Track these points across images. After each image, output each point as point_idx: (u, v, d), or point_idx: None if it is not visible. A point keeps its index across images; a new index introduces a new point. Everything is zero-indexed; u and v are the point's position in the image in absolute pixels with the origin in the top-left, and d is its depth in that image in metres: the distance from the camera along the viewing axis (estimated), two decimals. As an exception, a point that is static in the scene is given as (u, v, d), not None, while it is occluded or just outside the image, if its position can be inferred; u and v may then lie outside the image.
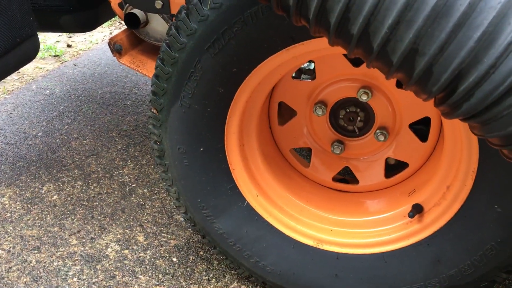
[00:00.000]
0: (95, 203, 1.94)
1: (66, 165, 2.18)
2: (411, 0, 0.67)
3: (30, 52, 1.90)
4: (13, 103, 2.75)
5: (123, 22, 4.53)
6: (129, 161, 2.22)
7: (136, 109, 2.70)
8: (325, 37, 0.82)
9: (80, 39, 3.81)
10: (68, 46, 3.69)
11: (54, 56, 3.49)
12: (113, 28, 4.15)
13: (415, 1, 0.66)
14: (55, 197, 1.98)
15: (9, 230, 1.79)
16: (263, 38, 1.15)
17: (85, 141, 2.37)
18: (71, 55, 3.52)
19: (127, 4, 1.82)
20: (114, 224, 1.83)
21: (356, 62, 1.36)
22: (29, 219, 1.85)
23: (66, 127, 2.50)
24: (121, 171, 2.14)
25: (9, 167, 2.17)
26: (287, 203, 1.47)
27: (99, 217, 1.86)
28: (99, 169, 2.15)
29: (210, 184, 1.38)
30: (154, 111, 1.34)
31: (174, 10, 1.64)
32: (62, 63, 3.37)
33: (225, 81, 1.23)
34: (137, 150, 2.30)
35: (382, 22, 0.69)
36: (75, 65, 3.30)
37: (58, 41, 3.71)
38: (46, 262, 1.65)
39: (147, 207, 1.92)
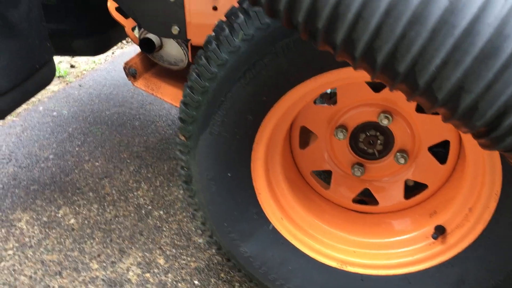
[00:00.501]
0: (112, 226, 1.95)
1: (80, 188, 2.19)
2: (460, 42, 0.70)
3: (48, 77, 1.93)
4: (21, 125, 2.76)
5: (125, 42, 4.55)
6: (143, 182, 2.24)
7: (145, 130, 2.72)
8: (366, 72, 0.86)
9: (83, 59, 3.83)
10: (72, 66, 3.71)
11: (58, 77, 3.50)
12: (115, 48, 4.18)
13: (463, 43, 0.70)
14: (72, 220, 1.99)
15: (29, 256, 1.80)
16: (293, 68, 1.19)
17: (97, 163, 2.39)
18: (75, 75, 3.54)
19: (142, 29, 1.86)
20: (133, 247, 1.84)
21: (376, 88, 1.40)
22: (48, 244, 1.86)
23: (77, 149, 2.51)
24: (135, 193, 2.16)
25: (24, 190, 2.17)
26: (311, 226, 1.50)
27: (118, 240, 1.88)
28: (114, 192, 2.17)
29: (237, 208, 1.41)
30: (182, 138, 1.37)
31: (190, 36, 1.68)
32: (67, 84, 3.38)
33: (254, 109, 1.27)
34: (149, 172, 2.32)
35: (430, 62, 0.73)
36: (80, 86, 3.32)
37: (61, 61, 3.74)
38: (69, 287, 1.66)
39: (164, 229, 1.94)
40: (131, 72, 2.02)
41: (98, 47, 2.33)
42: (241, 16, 1.18)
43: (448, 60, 0.72)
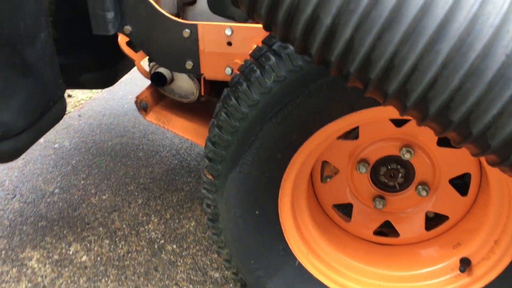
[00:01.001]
0: (126, 263, 1.93)
1: (89, 223, 2.17)
2: None
3: (60, 113, 1.92)
4: (23, 158, 2.72)
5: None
6: (153, 215, 2.22)
7: (149, 160, 2.71)
8: (414, 118, 0.88)
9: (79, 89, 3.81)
10: (69, 96, 3.69)
11: (56, 107, 3.47)
12: (111, 76, 4.17)
13: None
14: (84, 258, 1.96)
15: (43, 296, 1.76)
16: (325, 108, 1.21)
17: (104, 196, 2.36)
18: (73, 105, 3.52)
19: (153, 63, 1.87)
20: (149, 284, 1.82)
21: (398, 123, 1.43)
22: (62, 283, 1.82)
23: (82, 182, 2.49)
24: (146, 227, 2.14)
25: (32, 227, 2.14)
26: (334, 260, 1.51)
27: (133, 277, 1.85)
28: (124, 226, 2.15)
29: (264, 245, 1.41)
30: (210, 177, 1.37)
31: (203, 70, 1.70)
32: (66, 114, 3.36)
33: (284, 148, 1.28)
34: (158, 204, 2.31)
35: (486, 112, 0.76)
36: (79, 116, 3.31)
37: (57, 91, 3.71)
38: (88, 329, 1.62)
39: (179, 264, 1.92)
40: (142, 106, 2.03)
41: (106, 81, 2.32)
42: (272, 57, 1.20)
43: (505, 110, 0.75)
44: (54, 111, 1.87)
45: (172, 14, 1.95)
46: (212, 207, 1.41)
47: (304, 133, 1.26)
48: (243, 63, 1.34)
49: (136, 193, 2.39)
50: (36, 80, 1.70)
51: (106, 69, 2.28)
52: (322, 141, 1.32)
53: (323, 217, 1.60)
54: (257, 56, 1.26)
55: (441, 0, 0.74)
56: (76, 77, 2.27)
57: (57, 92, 1.86)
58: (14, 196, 2.36)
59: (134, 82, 3.84)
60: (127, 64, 2.39)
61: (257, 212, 1.37)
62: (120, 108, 3.42)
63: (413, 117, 0.88)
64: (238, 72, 1.34)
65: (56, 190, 2.42)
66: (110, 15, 1.73)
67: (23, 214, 2.23)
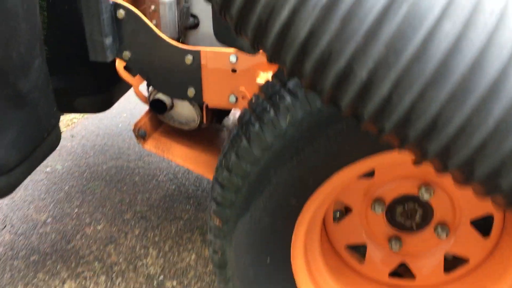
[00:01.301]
0: (124, 302, 1.82)
1: (84, 257, 2.05)
2: None
3: (54, 143, 1.82)
4: (14, 184, 2.60)
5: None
6: (151, 248, 2.11)
7: (146, 185, 2.61)
8: (433, 168, 0.80)
9: (72, 107, 3.70)
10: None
11: (48, 126, 3.36)
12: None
13: None
14: (79, 296, 1.85)
15: None
16: (343, 152, 1.12)
17: (99, 227, 2.25)
18: (65, 124, 3.41)
19: (152, 89, 1.78)
20: (149, 327, 1.71)
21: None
22: (55, 326, 1.71)
23: (76, 210, 2.38)
24: (144, 261, 2.03)
25: (23, 262, 2.02)
26: (349, 305, 1.42)
27: (132, 319, 1.75)
28: (121, 260, 2.04)
29: (275, 294, 1.32)
30: (218, 222, 1.27)
31: (206, 98, 1.61)
32: (58, 134, 3.24)
33: (299, 193, 1.19)
34: (156, 235, 2.20)
35: None
36: (72, 136, 3.20)
37: (49, 110, 3.60)
38: None
39: (180, 302, 1.82)
40: (140, 134, 1.93)
41: (102, 105, 2.23)
42: (287, 97, 1.11)
43: None
44: (48, 141, 1.77)
45: (173, 38, 1.86)
46: (220, 254, 1.31)
47: (321, 177, 1.17)
48: (253, 99, 1.25)
49: (133, 223, 2.29)
50: (29, 112, 1.60)
51: (101, 93, 2.19)
52: (339, 184, 1.23)
53: (336, 259, 1.51)
54: (270, 94, 1.17)
55: (493, 56, 0.66)
56: (70, 101, 2.17)
57: (51, 121, 1.76)
58: (5, 227, 2.25)
59: (128, 99, 3.72)
60: (123, 87, 2.30)
61: (268, 259, 1.28)
62: (114, 127, 3.32)
63: (453, 177, 0.79)
64: (248, 108, 1.26)
65: (49, 220, 2.31)
66: (108, 40, 1.63)
67: (14, 247, 2.12)
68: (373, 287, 1.50)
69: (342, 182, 1.24)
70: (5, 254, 2.07)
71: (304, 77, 0.78)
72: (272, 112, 1.13)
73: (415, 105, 0.70)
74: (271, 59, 0.81)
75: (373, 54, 0.69)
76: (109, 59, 1.68)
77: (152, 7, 1.89)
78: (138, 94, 1.99)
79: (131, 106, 3.52)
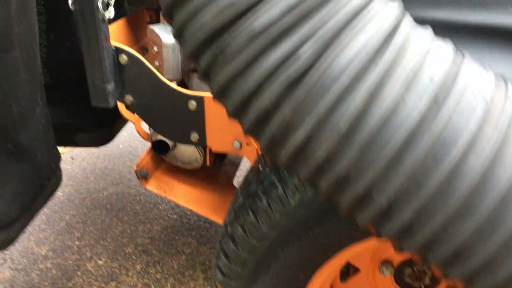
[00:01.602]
0: None
1: (85, 296, 2.03)
2: None
3: (54, 187, 1.78)
4: (13, 212, 2.57)
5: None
6: (152, 286, 2.09)
7: (147, 215, 2.58)
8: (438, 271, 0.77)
9: (72, 124, 3.66)
10: (61, 133, 3.54)
11: (48, 146, 3.33)
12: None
13: None
14: None
15: None
16: (355, 230, 1.09)
17: (101, 262, 2.23)
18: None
19: (154, 130, 1.75)
20: None
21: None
22: None
23: (77, 243, 2.35)
24: (146, 301, 2.01)
25: (23, 302, 2.00)
26: None
27: None
28: (122, 300, 2.01)
29: None
30: (223, 292, 1.25)
31: (210, 143, 1.58)
32: (58, 156, 3.21)
33: (307, 268, 1.16)
34: (158, 271, 2.17)
35: None
36: (72, 158, 3.16)
37: (49, 127, 3.56)
38: None
39: None
40: (142, 175, 1.90)
41: (102, 140, 2.20)
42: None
43: None
44: (49, 187, 1.74)
45: (176, 80, 1.83)
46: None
47: (330, 253, 1.15)
48: (260, 167, 1.22)
49: (134, 257, 2.26)
50: (30, 163, 1.56)
51: (102, 129, 2.16)
52: (349, 255, 1.20)
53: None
54: (278, 167, 1.14)
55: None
56: (71, 136, 2.14)
57: (52, 166, 1.73)
58: (5, 261, 2.22)
59: (129, 117, 3.69)
60: (123, 121, 2.27)
61: (275, 330, 1.25)
62: (115, 148, 3.28)
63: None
64: (255, 177, 1.22)
65: (49, 253, 2.28)
66: (110, 86, 1.60)
67: (14, 285, 2.09)
68: None
69: (353, 254, 1.22)
70: (5, 292, 2.05)
71: (319, 190, 0.75)
72: (280, 189, 1.10)
73: (437, 235, 0.67)
74: (285, 168, 0.78)
75: (393, 184, 0.66)
76: (111, 104, 1.65)
77: (155, 48, 1.86)
78: (140, 132, 1.96)
79: (131, 125, 3.47)
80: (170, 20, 0.75)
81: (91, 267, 2.19)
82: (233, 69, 0.68)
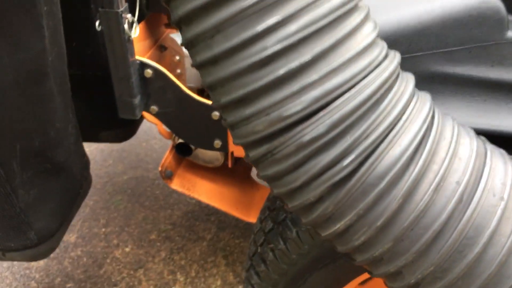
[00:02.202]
0: (158, 334, 1.98)
1: (116, 284, 2.19)
2: None
3: (86, 191, 1.90)
4: (40, 199, 2.70)
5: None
6: (178, 273, 2.25)
7: (167, 200, 2.71)
8: None
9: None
10: (75, 111, 3.62)
11: (64, 127, 3.42)
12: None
13: None
14: (116, 329, 2.00)
15: None
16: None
17: (127, 249, 2.38)
18: (81, 124, 3.46)
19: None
20: None
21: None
22: None
23: (103, 230, 2.50)
24: (173, 288, 2.18)
25: (60, 291, 2.17)
26: None
27: None
28: (152, 287, 2.18)
29: None
30: (255, 305, 1.39)
31: (232, 149, 1.68)
32: (76, 137, 3.31)
33: (332, 285, 1.29)
34: (182, 258, 2.33)
35: None
36: (89, 140, 3.25)
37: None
38: None
39: (210, 334, 1.98)
40: (167, 175, 2.01)
41: (125, 136, 2.29)
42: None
43: None
44: (82, 193, 1.85)
45: (198, 88, 1.90)
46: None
47: (353, 275, 1.27)
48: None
49: (159, 244, 2.41)
50: (66, 177, 1.67)
51: (126, 126, 2.24)
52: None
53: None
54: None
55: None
56: (95, 134, 2.23)
57: (84, 174, 1.83)
58: (37, 250, 2.37)
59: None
60: (141, 117, 2.35)
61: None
62: (129, 128, 3.36)
63: None
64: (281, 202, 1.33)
65: (79, 241, 2.43)
66: (137, 100, 1.68)
67: (49, 273, 2.25)
68: None
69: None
70: (42, 281, 2.21)
71: (353, 260, 0.86)
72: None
73: None
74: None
75: (422, 269, 0.77)
76: (138, 116, 1.73)
77: (177, 57, 1.91)
78: (162, 132, 2.05)
79: (144, 103, 3.54)
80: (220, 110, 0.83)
81: (119, 254, 2.35)
82: (282, 169, 0.77)
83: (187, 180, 2.08)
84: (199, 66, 0.78)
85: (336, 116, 0.71)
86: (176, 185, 2.03)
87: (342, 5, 0.73)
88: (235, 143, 0.83)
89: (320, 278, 1.25)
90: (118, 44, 1.54)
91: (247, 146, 0.80)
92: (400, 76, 0.80)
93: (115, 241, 2.42)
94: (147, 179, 2.87)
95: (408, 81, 0.81)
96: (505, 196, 0.75)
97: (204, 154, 2.00)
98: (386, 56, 0.79)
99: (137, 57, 1.63)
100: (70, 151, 1.67)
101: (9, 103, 1.29)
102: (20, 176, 1.45)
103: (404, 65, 1.09)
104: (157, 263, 2.30)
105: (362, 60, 0.74)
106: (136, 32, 1.54)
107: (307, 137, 0.72)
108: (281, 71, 0.71)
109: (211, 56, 0.74)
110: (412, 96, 0.79)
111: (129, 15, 1.50)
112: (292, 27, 0.70)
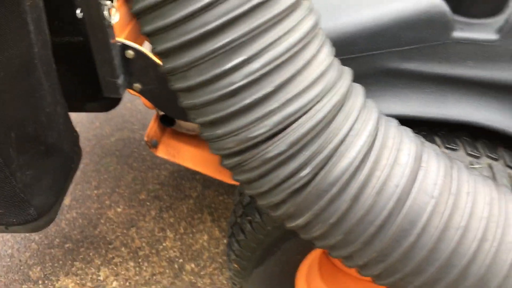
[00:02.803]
0: (152, 287, 2.19)
1: (111, 243, 2.38)
2: None
3: (77, 164, 2.03)
4: (32, 163, 2.83)
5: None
6: (168, 230, 2.44)
7: (154, 161, 2.85)
8: None
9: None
10: (58, 71, 3.66)
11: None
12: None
13: None
14: (114, 283, 2.21)
15: (88, 330, 2.04)
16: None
17: (119, 209, 2.55)
18: (64, 84, 3.51)
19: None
20: (177, 310, 2.10)
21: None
22: (100, 314, 2.09)
23: (95, 192, 2.65)
24: (164, 244, 2.37)
25: (59, 250, 2.35)
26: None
27: (162, 303, 2.13)
28: (144, 244, 2.37)
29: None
30: (237, 267, 1.57)
31: None
32: (61, 99, 3.38)
33: (304, 250, 1.48)
34: (171, 216, 2.51)
35: None
36: (75, 101, 3.33)
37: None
38: None
39: (199, 285, 2.20)
40: (153, 144, 2.14)
41: (110, 106, 2.38)
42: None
43: None
44: (75, 166, 1.98)
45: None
46: (238, 286, 1.63)
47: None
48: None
49: (148, 203, 2.58)
50: (58, 155, 1.79)
51: (109, 98, 2.33)
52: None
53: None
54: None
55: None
56: (81, 105, 2.32)
57: (74, 149, 1.96)
58: (34, 213, 2.53)
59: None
60: (128, 86, 2.43)
61: (278, 290, 1.61)
62: (113, 87, 3.44)
63: None
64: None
65: (73, 203, 2.59)
66: (120, 80, 1.78)
67: (48, 235, 2.43)
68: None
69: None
70: (41, 242, 2.39)
71: (313, 243, 1.03)
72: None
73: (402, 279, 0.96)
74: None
75: (367, 255, 0.94)
76: (122, 94, 1.84)
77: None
78: (147, 104, 2.15)
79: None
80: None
81: (112, 214, 2.52)
82: (250, 177, 0.91)
83: (171, 147, 2.21)
84: (177, 91, 0.90)
85: (293, 136, 0.85)
86: (161, 152, 2.17)
87: (300, 40, 0.84)
88: (211, 153, 0.96)
89: (292, 245, 1.43)
90: (99, 30, 1.61)
91: (222, 157, 0.94)
92: (351, 93, 0.93)
93: (107, 202, 2.59)
94: (133, 141, 3.00)
95: (358, 95, 0.94)
96: (435, 194, 0.90)
97: (187, 124, 2.12)
98: (339, 77, 0.91)
99: (118, 39, 1.70)
100: (60, 131, 1.78)
101: (1, 98, 1.39)
102: (17, 160, 1.57)
103: (363, 62, 1.22)
104: (148, 221, 2.48)
105: (316, 86, 0.86)
106: (116, 18, 1.61)
107: (270, 154, 0.86)
108: (247, 101, 0.83)
109: (187, 86, 0.86)
110: (361, 110, 0.92)
111: (108, 2, 1.57)
112: (256, 64, 0.81)
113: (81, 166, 2.81)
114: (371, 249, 0.92)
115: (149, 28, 0.85)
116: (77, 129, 3.02)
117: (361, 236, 0.91)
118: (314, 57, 0.87)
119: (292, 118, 0.85)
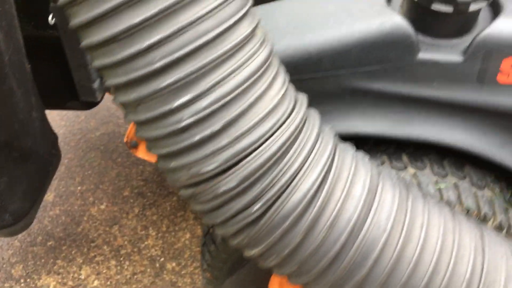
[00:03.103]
0: (133, 286, 2.21)
1: (94, 241, 2.40)
2: None
3: (56, 166, 2.03)
4: (16, 158, 2.83)
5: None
6: (150, 228, 2.46)
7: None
8: None
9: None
10: (44, 62, 3.63)
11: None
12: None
13: None
14: (95, 282, 2.23)
15: (68, 330, 2.07)
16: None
17: (103, 206, 2.56)
18: (51, 75, 3.49)
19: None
20: (157, 310, 2.13)
21: None
22: (81, 314, 2.12)
23: (79, 188, 2.66)
24: (146, 243, 2.39)
25: (42, 248, 2.37)
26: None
27: (142, 303, 2.15)
28: (126, 243, 2.39)
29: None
30: (209, 276, 1.59)
31: None
32: (47, 91, 3.36)
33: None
34: (154, 213, 2.53)
35: None
36: (60, 93, 3.31)
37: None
38: None
39: (180, 284, 2.22)
40: (132, 145, 2.13)
41: (91, 104, 2.37)
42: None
43: None
44: (53, 169, 1.98)
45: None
46: (213, 294, 1.65)
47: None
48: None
49: (132, 200, 2.59)
50: (34, 161, 1.79)
51: (90, 96, 2.32)
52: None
53: None
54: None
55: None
56: (62, 102, 2.31)
57: (52, 152, 1.95)
58: (18, 210, 2.54)
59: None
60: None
61: (250, 299, 1.62)
62: (99, 79, 3.42)
63: None
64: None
65: (56, 199, 2.60)
66: (96, 84, 1.77)
67: (31, 232, 2.44)
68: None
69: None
70: (24, 240, 2.40)
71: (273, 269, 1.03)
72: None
73: None
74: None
75: (324, 283, 0.94)
76: (98, 98, 1.83)
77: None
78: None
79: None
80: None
81: (95, 212, 2.54)
82: (204, 209, 0.91)
83: (152, 147, 2.20)
84: (129, 122, 0.89)
85: (245, 172, 0.85)
86: (141, 153, 2.15)
87: (251, 76, 0.83)
88: (168, 184, 0.96)
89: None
90: (73, 36, 1.60)
91: (177, 188, 0.94)
92: (305, 123, 0.92)
93: (91, 199, 2.60)
94: (118, 135, 2.99)
95: (313, 125, 0.93)
96: (388, 228, 0.90)
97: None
98: (293, 109, 0.90)
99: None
100: (36, 135, 1.77)
101: (-29, 109, 1.38)
102: (-12, 168, 1.57)
103: (329, 81, 1.21)
104: (131, 219, 2.50)
105: (268, 120, 0.85)
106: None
107: (221, 189, 0.86)
108: (196, 138, 0.82)
109: (137, 121, 0.85)
110: (315, 142, 0.91)
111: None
112: (203, 102, 0.80)
113: (65, 161, 2.81)
114: (326, 279, 0.93)
115: (97, 63, 0.84)
116: (62, 122, 3.02)
117: (315, 267, 0.91)
118: (266, 90, 0.86)
119: (243, 154, 0.84)
